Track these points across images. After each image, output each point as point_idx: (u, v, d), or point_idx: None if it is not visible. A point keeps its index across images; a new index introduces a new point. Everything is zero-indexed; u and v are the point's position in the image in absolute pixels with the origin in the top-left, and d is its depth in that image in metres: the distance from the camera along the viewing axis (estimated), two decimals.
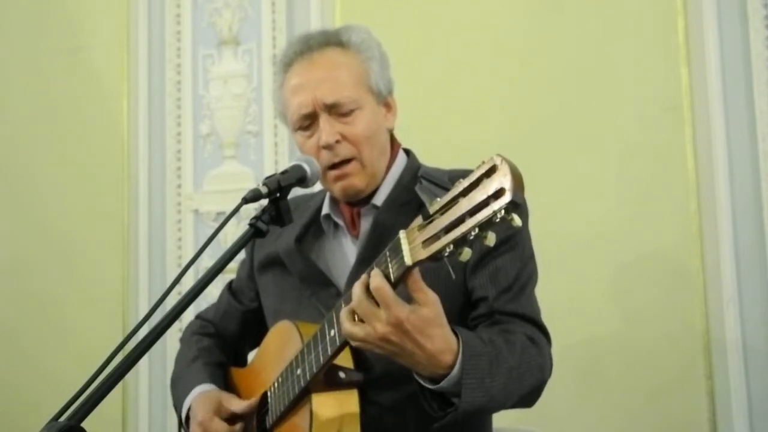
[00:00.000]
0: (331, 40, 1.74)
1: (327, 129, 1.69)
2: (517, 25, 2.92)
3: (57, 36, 3.53)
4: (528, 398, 1.58)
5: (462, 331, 1.46)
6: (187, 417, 1.82)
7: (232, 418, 1.76)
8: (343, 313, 1.43)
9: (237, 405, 1.75)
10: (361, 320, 1.40)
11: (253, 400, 1.75)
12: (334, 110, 1.70)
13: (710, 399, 2.58)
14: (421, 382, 1.46)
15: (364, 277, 1.40)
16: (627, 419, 2.66)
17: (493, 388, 1.46)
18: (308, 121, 1.72)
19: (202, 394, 1.80)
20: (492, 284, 1.63)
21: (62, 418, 1.29)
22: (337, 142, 1.69)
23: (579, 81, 2.82)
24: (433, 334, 1.39)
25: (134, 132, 3.38)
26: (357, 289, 1.40)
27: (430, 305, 1.38)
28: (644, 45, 2.77)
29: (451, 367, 1.42)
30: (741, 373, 2.56)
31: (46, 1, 3.57)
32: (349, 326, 1.41)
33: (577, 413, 2.69)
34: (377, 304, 1.37)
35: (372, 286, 1.36)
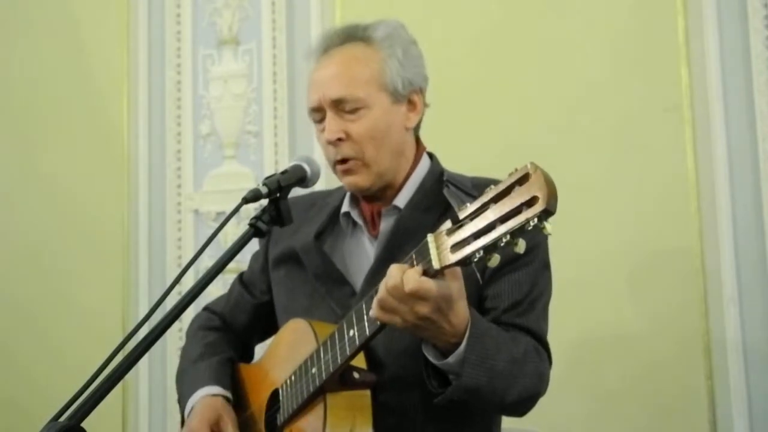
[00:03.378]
0: (357, 35, 1.75)
1: (330, 126, 1.69)
2: (516, 26, 2.92)
3: (57, 36, 3.53)
4: (523, 404, 1.59)
5: (472, 309, 1.49)
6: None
7: None
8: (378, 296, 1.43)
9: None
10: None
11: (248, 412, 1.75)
12: (340, 107, 1.69)
13: (710, 399, 2.58)
14: (429, 357, 1.49)
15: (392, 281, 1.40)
16: (627, 419, 2.66)
17: (494, 370, 1.48)
18: (319, 115, 1.73)
19: (207, 398, 1.79)
20: (505, 296, 1.64)
21: (62, 418, 1.29)
22: (340, 139, 1.69)
23: (579, 81, 2.82)
24: (459, 308, 1.43)
25: (134, 132, 3.38)
26: (387, 285, 1.39)
27: (457, 278, 1.41)
28: (644, 45, 2.77)
29: (464, 335, 1.45)
30: (741, 373, 2.56)
31: (47, 1, 3.58)
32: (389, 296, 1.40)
33: (577, 413, 2.69)
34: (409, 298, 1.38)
35: (409, 289, 1.36)
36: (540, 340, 1.65)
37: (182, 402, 1.86)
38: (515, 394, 1.54)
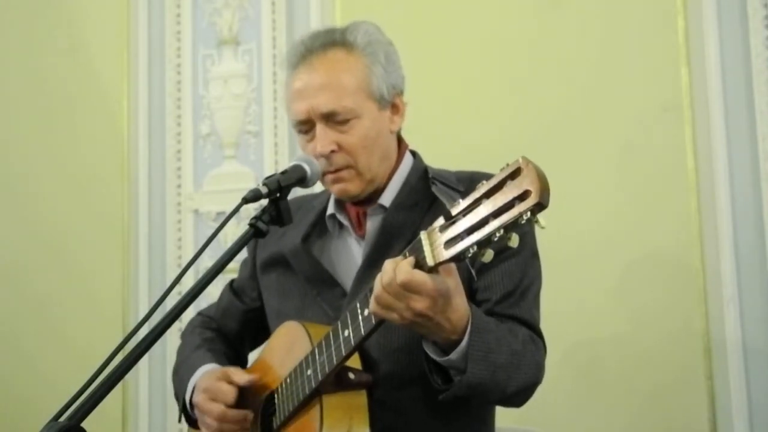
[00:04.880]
0: (336, 40, 1.72)
1: (322, 139, 1.68)
2: (515, 25, 2.92)
3: (56, 36, 3.53)
4: (521, 394, 1.59)
5: (471, 304, 1.49)
6: (191, 402, 1.80)
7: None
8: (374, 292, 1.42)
9: (239, 377, 1.72)
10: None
11: (256, 376, 1.73)
12: (331, 119, 1.68)
13: (710, 399, 2.58)
14: (431, 354, 1.49)
15: (386, 274, 1.39)
16: (627, 419, 2.66)
17: (496, 364, 1.48)
18: (306, 126, 1.72)
19: (206, 372, 1.79)
20: (496, 287, 1.65)
21: (62, 418, 1.29)
22: (333, 151, 1.68)
23: (579, 81, 2.81)
24: (457, 304, 1.42)
25: (134, 132, 3.38)
26: (383, 281, 1.39)
27: (453, 275, 1.40)
28: (644, 45, 2.76)
29: (465, 332, 1.45)
30: (741, 373, 2.56)
31: (46, 1, 3.57)
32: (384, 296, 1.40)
33: (577, 413, 2.69)
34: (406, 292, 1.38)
35: (401, 280, 1.36)
36: (534, 329, 1.65)
37: (180, 390, 1.85)
38: (516, 386, 1.55)
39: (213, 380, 1.73)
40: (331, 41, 1.72)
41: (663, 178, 2.69)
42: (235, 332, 1.98)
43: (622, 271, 2.70)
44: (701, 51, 2.69)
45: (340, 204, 1.80)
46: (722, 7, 2.68)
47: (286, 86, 1.77)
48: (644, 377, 2.65)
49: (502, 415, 1.79)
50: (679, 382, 2.62)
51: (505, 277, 1.65)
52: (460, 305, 1.43)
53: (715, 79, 2.66)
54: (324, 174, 1.71)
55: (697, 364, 2.60)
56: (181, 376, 1.88)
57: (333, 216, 1.80)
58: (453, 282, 1.40)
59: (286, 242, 1.83)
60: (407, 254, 1.38)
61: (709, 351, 2.59)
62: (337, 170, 1.70)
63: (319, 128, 1.69)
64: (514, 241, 1.23)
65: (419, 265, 1.36)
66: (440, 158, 1.86)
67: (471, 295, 1.64)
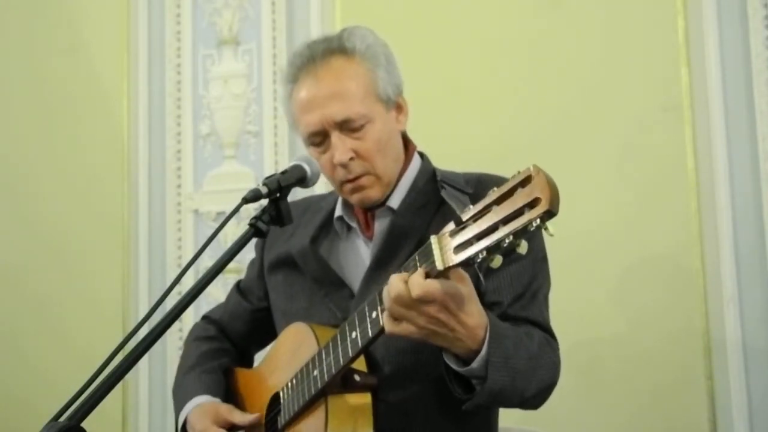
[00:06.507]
0: (335, 49, 1.71)
1: (340, 147, 1.67)
2: (516, 25, 2.92)
3: (56, 35, 3.53)
4: (540, 396, 1.59)
5: (488, 311, 1.49)
6: (184, 430, 1.82)
7: (233, 429, 1.75)
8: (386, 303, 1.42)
9: (240, 417, 1.75)
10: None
11: (258, 415, 1.74)
12: (345, 126, 1.68)
13: (710, 399, 2.58)
14: (451, 364, 1.49)
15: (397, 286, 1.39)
16: (627, 419, 2.66)
17: (516, 369, 1.49)
18: (319, 138, 1.71)
19: (198, 407, 1.80)
20: (505, 290, 1.65)
21: (62, 418, 1.30)
22: (351, 159, 1.68)
23: (579, 81, 2.82)
24: (472, 310, 1.42)
25: (134, 132, 3.38)
26: (390, 295, 1.39)
27: (466, 282, 1.40)
28: (644, 45, 2.77)
29: (483, 341, 1.45)
30: (741, 373, 2.56)
31: (46, 1, 3.57)
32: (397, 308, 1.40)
33: (578, 413, 2.69)
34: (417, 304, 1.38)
35: (416, 294, 1.35)
36: (547, 330, 1.66)
37: (176, 414, 1.88)
38: (535, 389, 1.55)
39: (204, 423, 1.75)
40: (329, 50, 1.71)
41: (663, 178, 2.69)
42: (242, 333, 1.98)
43: (622, 271, 2.71)
44: (701, 51, 2.69)
45: (347, 206, 1.80)
46: (722, 7, 2.68)
47: (288, 100, 1.75)
48: (644, 377, 2.65)
49: (503, 415, 1.79)
50: (679, 382, 2.62)
51: (514, 279, 1.65)
52: (475, 312, 1.43)
53: (715, 79, 2.66)
54: (342, 184, 1.71)
55: (697, 364, 2.60)
56: (177, 401, 1.90)
57: (341, 218, 1.80)
58: (466, 289, 1.40)
59: (295, 243, 1.83)
60: (417, 258, 1.38)
61: (709, 351, 2.60)
62: (356, 178, 1.69)
63: (335, 137, 1.68)
64: (523, 247, 1.24)
65: (428, 270, 1.36)
66: (441, 158, 1.86)
67: (479, 297, 1.65)
